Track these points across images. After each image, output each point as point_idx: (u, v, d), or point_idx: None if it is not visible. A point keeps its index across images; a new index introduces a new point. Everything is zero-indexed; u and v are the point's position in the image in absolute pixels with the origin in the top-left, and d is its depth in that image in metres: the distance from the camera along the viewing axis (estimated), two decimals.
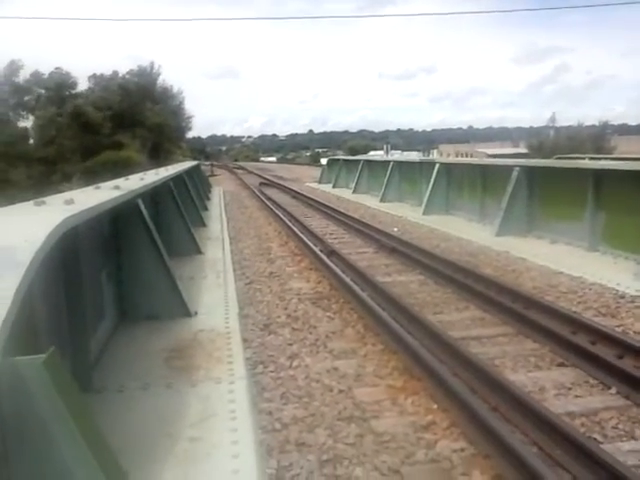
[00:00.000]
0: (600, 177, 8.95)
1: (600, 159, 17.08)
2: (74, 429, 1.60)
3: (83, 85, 41.64)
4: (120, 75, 43.14)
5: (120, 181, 6.42)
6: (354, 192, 21.57)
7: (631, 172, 8.39)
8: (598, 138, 40.55)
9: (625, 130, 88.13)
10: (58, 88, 37.58)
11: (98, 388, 3.73)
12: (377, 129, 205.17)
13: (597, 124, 46.69)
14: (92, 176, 21.48)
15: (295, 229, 11.70)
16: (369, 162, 22.34)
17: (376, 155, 41.11)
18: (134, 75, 43.49)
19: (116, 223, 5.27)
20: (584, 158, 17.52)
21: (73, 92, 39.33)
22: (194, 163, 21.26)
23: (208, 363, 4.26)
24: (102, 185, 5.61)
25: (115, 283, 5.21)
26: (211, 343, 4.69)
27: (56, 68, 39.50)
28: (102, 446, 1.79)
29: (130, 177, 7.74)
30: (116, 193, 4.62)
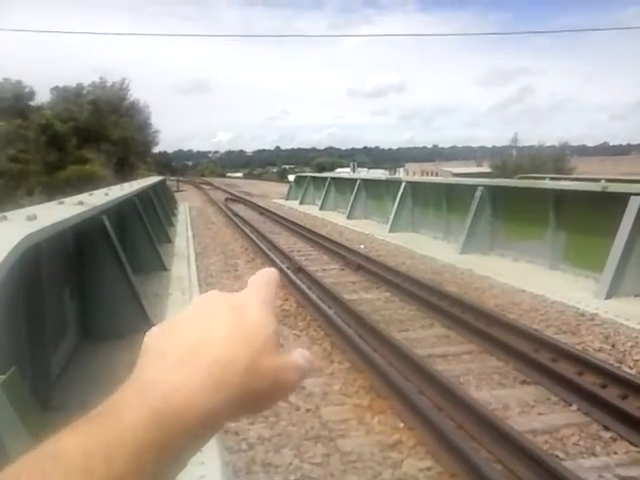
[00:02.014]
0: (561, 197, 9.19)
1: (560, 179, 17.54)
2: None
3: (44, 97, 40.82)
4: (84, 87, 42.49)
5: (84, 197, 6.32)
6: (321, 209, 21.65)
7: (590, 193, 8.65)
8: (558, 159, 41.63)
9: (584, 151, 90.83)
10: (16, 99, 36.67)
11: (59, 406, 3.63)
12: (344, 147, 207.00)
13: (557, 145, 48.00)
14: (55, 191, 21.06)
15: (262, 246, 11.67)
16: (336, 179, 22.47)
17: (343, 172, 41.36)
18: (97, 87, 42.86)
19: (80, 239, 5.18)
20: (545, 178, 17.97)
21: (32, 104, 38.42)
22: (160, 178, 21.06)
23: None
24: (66, 200, 5.52)
25: (78, 301, 5.10)
26: None
27: (4, 78, 38.31)
28: None
29: (94, 193, 7.63)
30: (80, 209, 4.55)
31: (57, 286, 4.51)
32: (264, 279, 0.50)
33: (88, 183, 22.44)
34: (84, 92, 41.75)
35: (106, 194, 7.27)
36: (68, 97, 40.84)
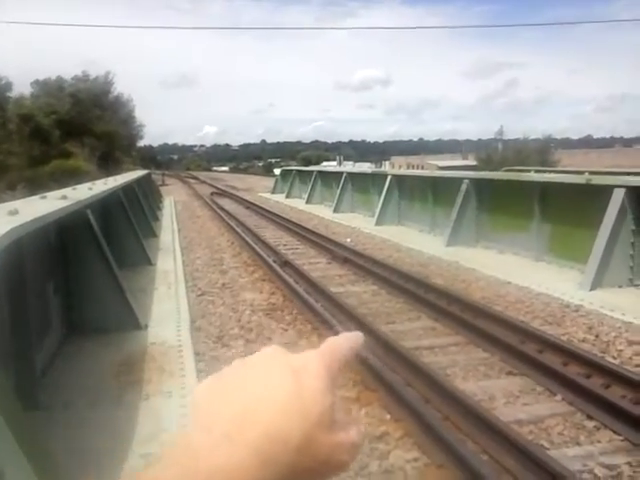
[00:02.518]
0: (545, 190, 9.26)
1: (545, 172, 17.67)
2: (17, 449, 1.54)
3: (24, 90, 40.11)
4: (66, 81, 41.85)
5: (67, 191, 6.25)
6: (307, 202, 21.63)
7: (574, 185, 8.71)
8: (543, 151, 41.94)
9: (568, 144, 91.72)
10: None
11: (44, 405, 3.60)
12: (330, 140, 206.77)
13: (542, 137, 48.35)
14: (38, 186, 20.80)
15: (248, 239, 11.64)
16: (322, 173, 22.45)
17: (329, 166, 41.35)
18: (80, 80, 42.27)
19: (63, 234, 5.13)
20: (530, 171, 18.08)
21: (9, 95, 37.71)
22: (144, 172, 20.90)
23: (160, 377, 4.18)
24: (48, 195, 5.45)
25: (63, 296, 5.05)
26: (162, 356, 4.61)
27: None
28: (47, 466, 1.73)
29: (78, 187, 7.55)
30: (63, 203, 4.50)
31: (41, 282, 4.46)
32: (343, 342, 0.47)
33: (72, 177, 22.22)
34: (66, 85, 41.14)
35: (90, 188, 7.20)
36: (50, 91, 40.27)
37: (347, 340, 0.47)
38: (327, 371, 0.42)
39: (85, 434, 3.25)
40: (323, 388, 0.41)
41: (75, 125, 37.86)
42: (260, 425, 0.37)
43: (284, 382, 0.40)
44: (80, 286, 5.12)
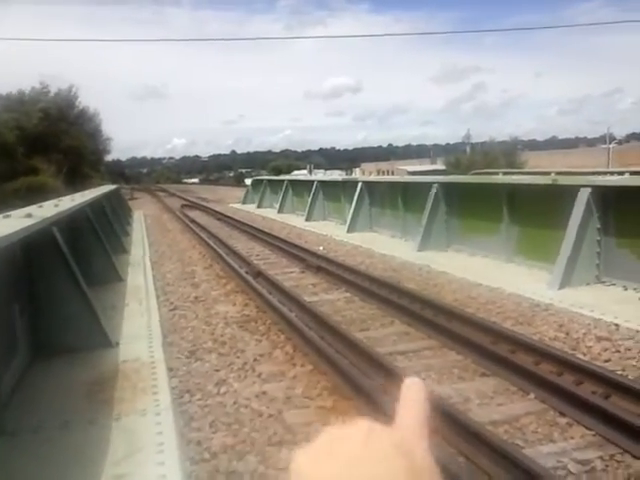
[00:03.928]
0: (513, 192, 9.40)
1: (513, 173, 17.94)
2: None
3: None
4: (26, 95, 40.98)
5: (33, 209, 6.14)
6: (279, 212, 21.62)
7: (541, 186, 8.87)
8: (510, 153, 42.66)
9: (534, 145, 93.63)
10: None
11: (11, 430, 3.51)
12: (300, 149, 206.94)
13: (509, 140, 49.22)
14: (2, 204, 20.36)
15: (220, 251, 11.56)
16: (293, 182, 22.47)
17: (300, 175, 41.41)
18: (40, 94, 41.46)
19: (29, 253, 5.03)
20: (498, 173, 18.34)
21: None
22: (113, 187, 20.66)
23: (132, 395, 4.11)
24: (13, 213, 5.34)
25: (29, 316, 4.95)
26: (135, 374, 4.54)
27: None
28: None
29: (44, 204, 7.41)
30: (28, 222, 4.41)
31: (5, 302, 4.36)
32: (415, 397, 0.46)
33: (38, 194, 21.80)
34: (26, 99, 40.34)
35: (56, 205, 7.08)
36: (11, 105, 39.47)
37: (417, 390, 0.47)
38: (426, 438, 0.42)
39: (55, 459, 3.18)
40: (432, 462, 0.41)
41: (41, 140, 37.21)
42: None
43: (397, 464, 0.39)
44: (48, 306, 5.02)
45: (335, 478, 0.39)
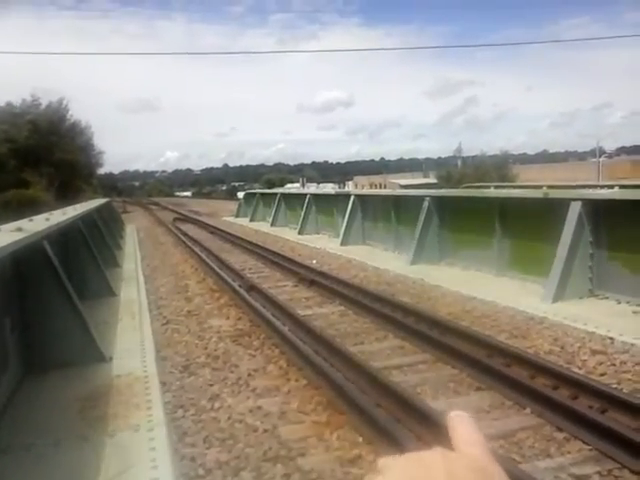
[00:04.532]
0: (505, 205, 9.44)
1: (504, 187, 18.05)
2: None
3: None
4: (16, 107, 40.76)
5: (23, 222, 6.09)
6: (272, 225, 21.61)
7: (532, 200, 8.92)
8: (501, 167, 42.99)
9: (525, 159, 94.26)
10: None
11: (3, 447, 3.45)
12: (293, 162, 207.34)
13: (499, 153, 49.61)
14: None
15: (213, 265, 11.52)
16: (286, 195, 22.49)
17: (293, 188, 41.48)
18: (31, 106, 41.27)
19: (20, 268, 4.98)
20: (489, 187, 18.45)
21: None
22: (105, 200, 20.60)
23: (126, 410, 4.06)
24: (3, 227, 5.29)
25: (20, 331, 4.88)
26: (128, 389, 4.49)
27: None
28: None
29: (35, 218, 7.36)
30: (19, 235, 4.37)
31: None
32: (467, 430, 0.48)
33: (29, 208, 21.69)
34: (17, 111, 40.18)
35: (47, 219, 7.02)
36: (2, 118, 39.30)
37: (467, 421, 0.49)
38: (498, 465, 0.44)
39: (48, 476, 3.13)
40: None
41: (32, 153, 37.06)
42: None
43: None
44: (39, 321, 4.96)
45: None
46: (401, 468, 0.42)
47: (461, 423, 0.48)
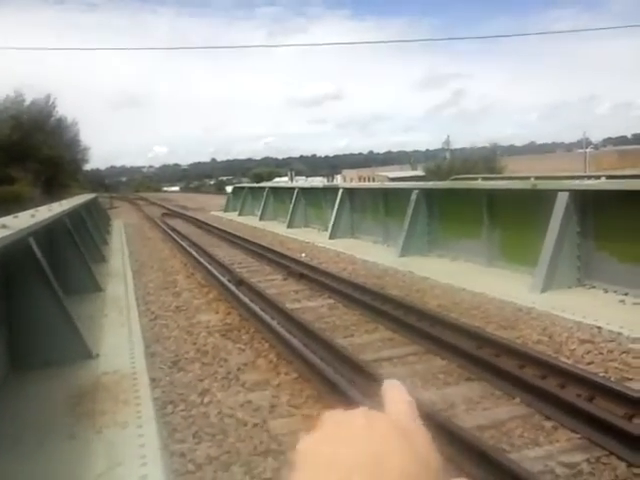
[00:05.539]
0: (493, 197, 9.46)
1: (492, 179, 18.10)
2: None
3: None
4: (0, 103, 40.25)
5: (8, 219, 6.01)
6: (261, 219, 21.54)
7: (520, 191, 8.94)
8: (489, 159, 43.13)
9: (513, 151, 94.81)
10: None
11: None
12: (281, 156, 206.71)
13: (488, 145, 49.78)
14: None
15: (201, 260, 11.46)
16: (274, 189, 22.42)
17: (281, 182, 41.36)
18: (14, 102, 40.75)
19: (4, 265, 4.91)
20: (477, 178, 18.50)
21: None
22: (91, 196, 20.42)
23: (114, 407, 4.03)
24: None
25: (5, 328, 4.83)
26: (116, 385, 4.45)
27: None
28: None
29: (20, 214, 7.27)
30: (4, 232, 4.31)
31: None
32: (398, 396, 0.49)
33: (14, 204, 21.47)
34: (1, 108, 39.68)
35: (33, 215, 6.94)
36: None
37: (400, 390, 0.50)
38: (420, 422, 0.46)
39: (35, 475, 3.09)
40: (432, 444, 0.44)
41: (17, 149, 36.65)
42: None
43: (400, 445, 0.41)
44: (24, 318, 4.90)
45: (341, 458, 0.40)
46: (327, 424, 0.44)
47: (392, 389, 0.50)
